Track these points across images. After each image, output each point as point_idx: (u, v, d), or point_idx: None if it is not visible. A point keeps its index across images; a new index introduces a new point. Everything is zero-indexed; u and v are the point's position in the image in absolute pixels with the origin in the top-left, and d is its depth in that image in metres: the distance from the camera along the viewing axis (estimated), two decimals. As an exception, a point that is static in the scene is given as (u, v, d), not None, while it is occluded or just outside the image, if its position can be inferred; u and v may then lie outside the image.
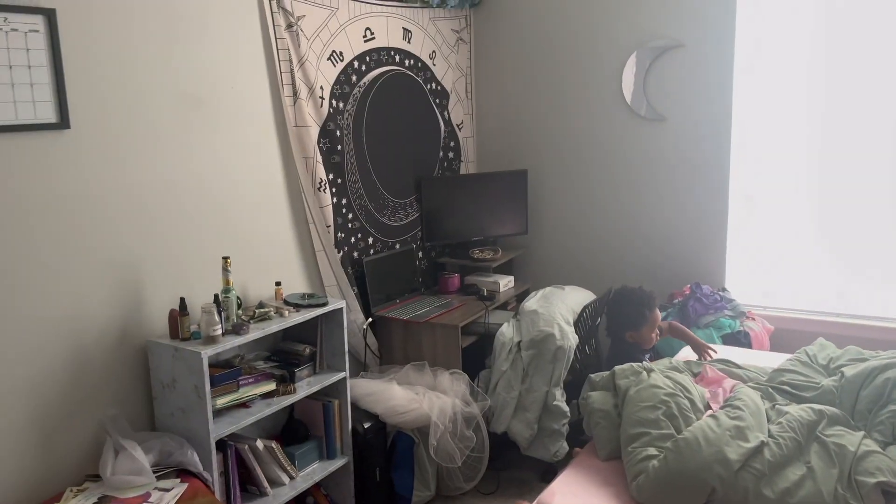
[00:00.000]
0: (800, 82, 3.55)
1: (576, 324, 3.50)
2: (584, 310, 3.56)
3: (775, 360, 2.89)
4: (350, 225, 3.51)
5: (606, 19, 3.88)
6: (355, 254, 3.54)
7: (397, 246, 3.83)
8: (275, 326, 2.71)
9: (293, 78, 3.07)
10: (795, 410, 2.31)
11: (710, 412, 2.44)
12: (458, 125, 4.23)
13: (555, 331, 3.33)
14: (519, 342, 3.40)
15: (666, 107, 3.81)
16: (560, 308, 3.49)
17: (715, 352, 3.09)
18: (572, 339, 3.39)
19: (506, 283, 4.00)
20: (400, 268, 3.79)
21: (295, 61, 3.07)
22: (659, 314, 3.24)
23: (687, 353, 3.17)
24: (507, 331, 3.47)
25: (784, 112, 3.60)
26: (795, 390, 2.51)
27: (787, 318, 3.63)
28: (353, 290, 3.44)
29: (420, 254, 4.01)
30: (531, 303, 3.58)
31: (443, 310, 3.61)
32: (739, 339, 3.38)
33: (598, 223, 4.11)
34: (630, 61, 3.84)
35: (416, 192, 3.92)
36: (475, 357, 3.66)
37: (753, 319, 3.54)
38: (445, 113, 4.12)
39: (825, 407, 2.33)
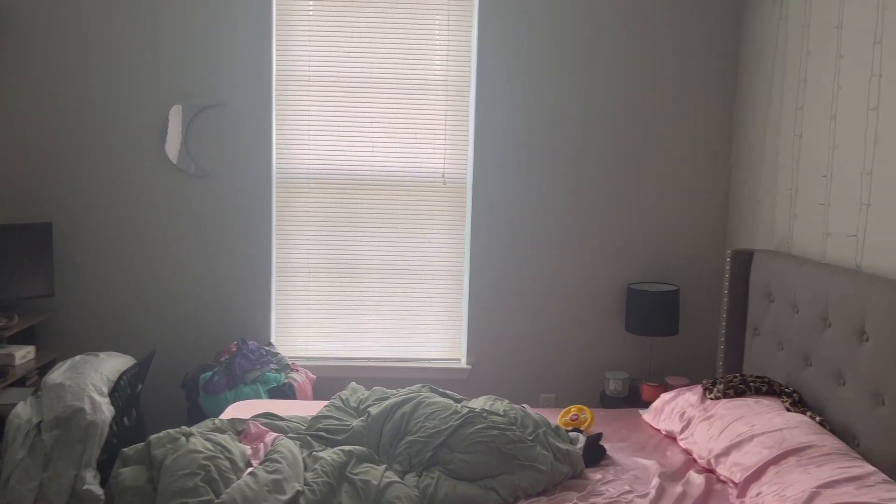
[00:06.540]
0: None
1: (111, 394, 3.19)
2: (121, 377, 3.26)
3: (316, 408, 3.03)
4: None
5: (146, 69, 3.70)
6: None
7: None
8: None
9: None
10: (329, 454, 2.43)
11: (250, 469, 2.41)
12: (-43, 168, 3.52)
13: (85, 404, 3.01)
14: (39, 423, 2.98)
15: (209, 163, 3.77)
16: (92, 378, 3.17)
17: None
18: (107, 412, 3.10)
19: (23, 354, 3.41)
20: None
21: None
22: None
23: (234, 411, 3.11)
24: (22, 411, 3.01)
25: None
26: (331, 435, 2.66)
27: (327, 367, 3.87)
28: None
29: None
30: (56, 374, 3.15)
31: (-70, 395, 2.90)
32: (285, 391, 3.47)
33: (140, 281, 3.82)
34: (173, 115, 3.71)
35: None
36: (-20, 448, 3.04)
37: (297, 371, 3.67)
38: (-62, 152, 3.40)
39: (354, 447, 2.50)
